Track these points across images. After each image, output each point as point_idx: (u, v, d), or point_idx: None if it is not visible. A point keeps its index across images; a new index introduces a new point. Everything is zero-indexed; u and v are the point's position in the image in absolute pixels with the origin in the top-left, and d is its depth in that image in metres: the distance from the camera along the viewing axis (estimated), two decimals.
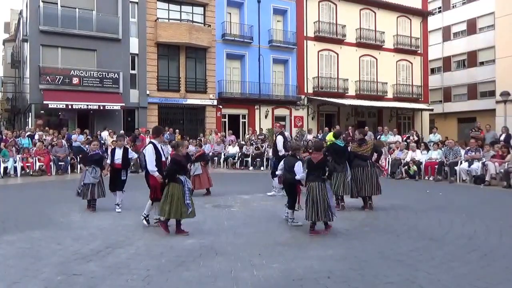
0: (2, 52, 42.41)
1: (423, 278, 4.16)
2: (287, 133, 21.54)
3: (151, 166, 6.27)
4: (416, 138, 17.58)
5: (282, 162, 7.03)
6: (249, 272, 4.36)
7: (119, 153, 7.81)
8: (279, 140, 10.10)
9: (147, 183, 6.51)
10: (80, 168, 8.26)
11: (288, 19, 26.57)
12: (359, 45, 28.62)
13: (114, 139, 17.08)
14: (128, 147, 15.99)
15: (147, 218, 6.57)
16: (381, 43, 29.30)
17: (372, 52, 29.18)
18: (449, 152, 13.66)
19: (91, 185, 7.65)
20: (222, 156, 18.32)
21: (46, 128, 17.99)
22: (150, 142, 6.62)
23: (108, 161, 7.86)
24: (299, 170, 6.44)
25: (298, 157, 6.86)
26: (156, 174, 6.27)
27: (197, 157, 10.08)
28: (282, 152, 9.98)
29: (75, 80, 20.24)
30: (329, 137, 15.62)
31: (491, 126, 17.35)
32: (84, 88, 20.39)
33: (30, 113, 20.99)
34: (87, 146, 16.52)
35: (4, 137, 15.54)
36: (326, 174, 6.24)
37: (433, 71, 36.73)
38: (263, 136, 19.84)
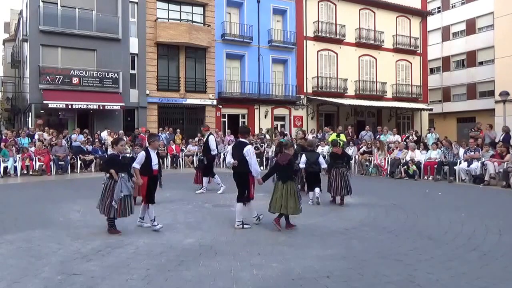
0: (2, 52, 42.41)
1: (422, 278, 4.17)
2: (287, 135, 21.66)
3: (257, 166, 6.39)
4: (415, 138, 17.58)
5: (304, 157, 8.57)
6: (248, 271, 4.37)
7: (155, 157, 6.38)
8: (212, 139, 10.32)
9: (241, 183, 6.45)
10: (111, 176, 5.84)
11: (287, 19, 26.60)
12: (358, 45, 28.65)
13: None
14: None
15: (260, 217, 6.63)
16: (380, 43, 29.33)
17: (372, 52, 29.21)
18: (448, 152, 13.67)
19: (129, 197, 5.94)
20: (222, 156, 18.32)
21: (47, 128, 17.94)
22: (246, 143, 6.54)
23: (137, 165, 6.11)
24: (323, 161, 8.62)
25: (315, 151, 9.20)
26: (259, 177, 6.35)
27: None
28: (215, 151, 10.30)
29: (75, 80, 20.24)
30: (332, 137, 15.98)
31: (492, 126, 17.25)
32: (84, 88, 20.40)
33: (30, 113, 20.99)
34: (87, 146, 16.56)
35: (4, 137, 15.53)
36: (345, 162, 8.85)
37: (432, 71, 36.75)
38: (262, 136, 19.88)
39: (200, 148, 11.45)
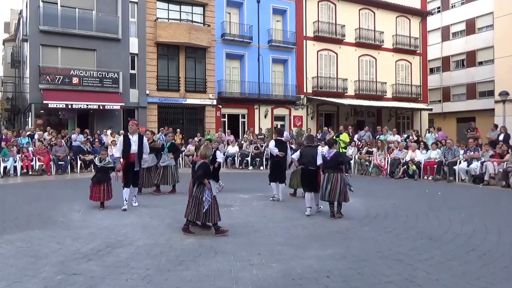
0: (2, 52, 42.37)
1: (422, 278, 4.18)
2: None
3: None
4: (415, 138, 17.58)
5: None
6: (248, 271, 4.37)
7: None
8: (147, 142, 8.82)
9: (313, 178, 7.58)
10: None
11: (287, 19, 26.59)
12: (358, 45, 28.64)
13: (115, 139, 17.17)
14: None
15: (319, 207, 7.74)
16: (380, 43, 29.33)
17: (371, 52, 29.21)
18: (448, 152, 13.68)
19: None
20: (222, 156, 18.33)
21: (48, 128, 17.88)
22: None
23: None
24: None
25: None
26: None
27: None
28: (147, 155, 8.79)
29: (75, 80, 20.23)
30: (344, 137, 16.09)
31: (497, 126, 17.13)
32: (84, 88, 20.39)
33: (30, 113, 20.98)
34: (87, 146, 16.52)
35: (4, 137, 15.51)
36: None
37: (432, 71, 36.74)
38: (262, 136, 19.86)
39: (96, 153, 8.95)
